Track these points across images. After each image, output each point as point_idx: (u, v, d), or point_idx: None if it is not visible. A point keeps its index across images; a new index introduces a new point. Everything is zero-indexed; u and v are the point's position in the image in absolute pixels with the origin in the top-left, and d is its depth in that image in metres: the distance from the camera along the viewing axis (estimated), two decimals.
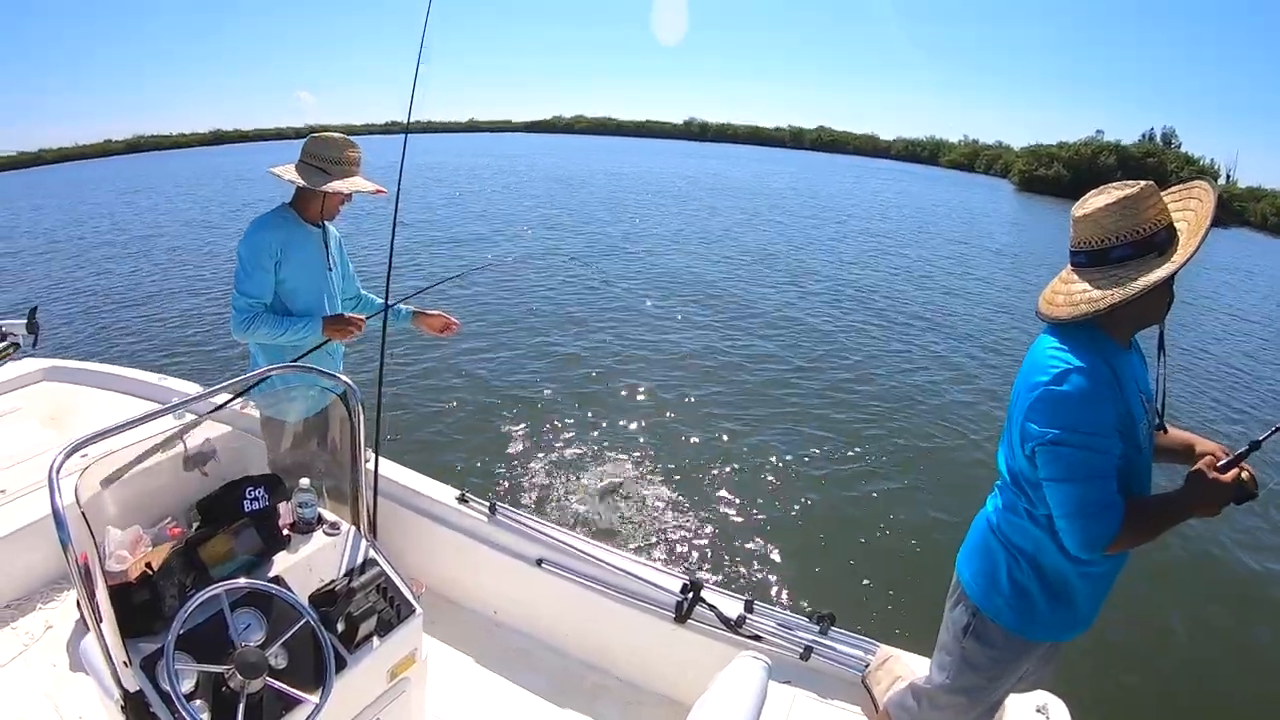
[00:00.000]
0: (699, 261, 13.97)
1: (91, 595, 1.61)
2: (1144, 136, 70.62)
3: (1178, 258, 1.48)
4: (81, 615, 2.51)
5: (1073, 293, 1.59)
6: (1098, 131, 65.25)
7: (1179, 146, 68.07)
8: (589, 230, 17.16)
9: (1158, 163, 57.00)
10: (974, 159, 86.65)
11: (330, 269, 2.80)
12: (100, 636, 1.64)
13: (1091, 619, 1.76)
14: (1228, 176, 67.78)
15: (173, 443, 2.23)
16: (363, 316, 2.75)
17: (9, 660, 2.58)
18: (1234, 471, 1.52)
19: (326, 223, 2.81)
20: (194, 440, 2.21)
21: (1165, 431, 1.75)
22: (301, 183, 2.60)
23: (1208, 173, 61.30)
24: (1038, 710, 2.10)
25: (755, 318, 10.10)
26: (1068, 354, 1.54)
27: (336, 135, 2.70)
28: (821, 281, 12.70)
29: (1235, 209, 54.99)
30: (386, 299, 2.95)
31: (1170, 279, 1.50)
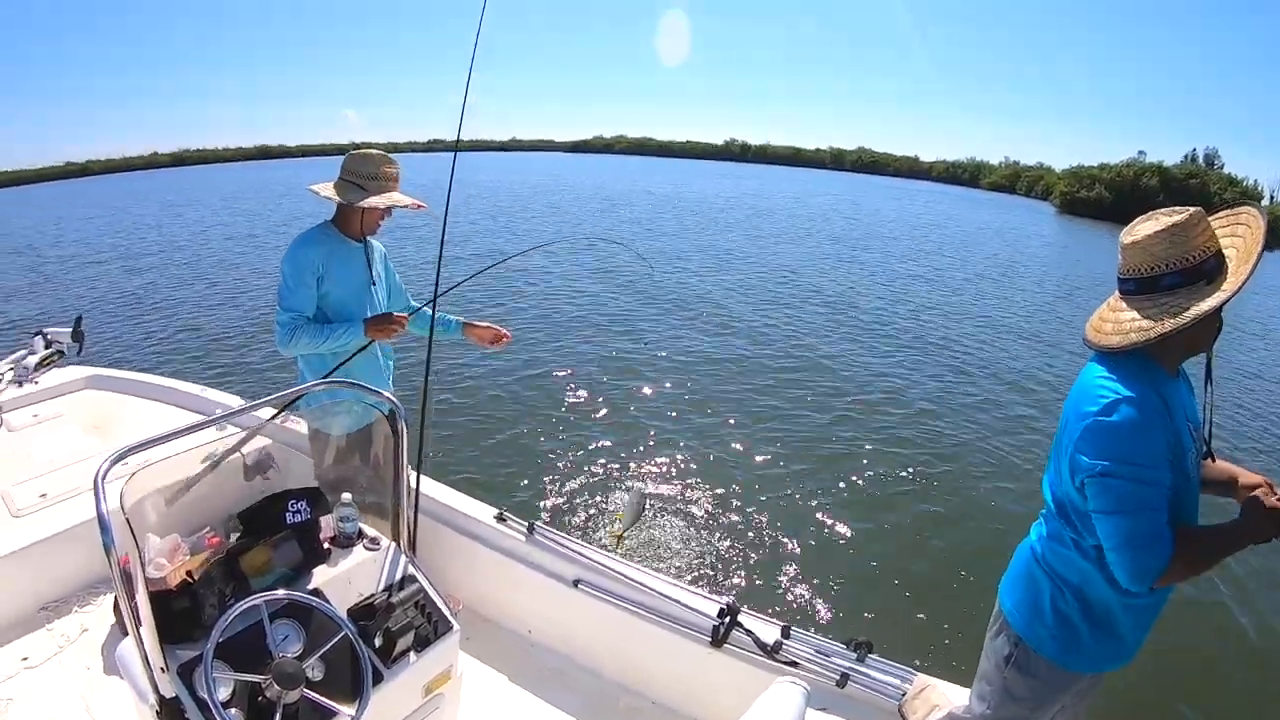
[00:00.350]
0: (743, 285, 13.90)
1: (132, 599, 1.64)
2: (1186, 158, 69.97)
3: (1229, 286, 1.46)
4: (118, 619, 2.55)
5: (1121, 321, 1.57)
6: (1139, 153, 64.69)
7: (1222, 167, 67.51)
8: (635, 251, 17.11)
9: (1201, 184, 56.30)
10: (1015, 181, 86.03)
11: (374, 283, 2.81)
12: (139, 640, 1.66)
13: (1135, 651, 1.72)
14: (1271, 197, 66.79)
15: (215, 454, 2.27)
16: (404, 314, 2.75)
17: (44, 661, 2.61)
18: None
19: (370, 238, 2.83)
20: (250, 450, 2.25)
21: (1213, 460, 1.71)
22: (339, 199, 2.63)
23: (1251, 194, 60.33)
24: None
25: (794, 342, 10.00)
26: (1117, 383, 1.51)
27: (374, 151, 2.72)
28: (865, 307, 12.56)
29: None
30: (434, 311, 2.94)
31: (1220, 307, 1.48)
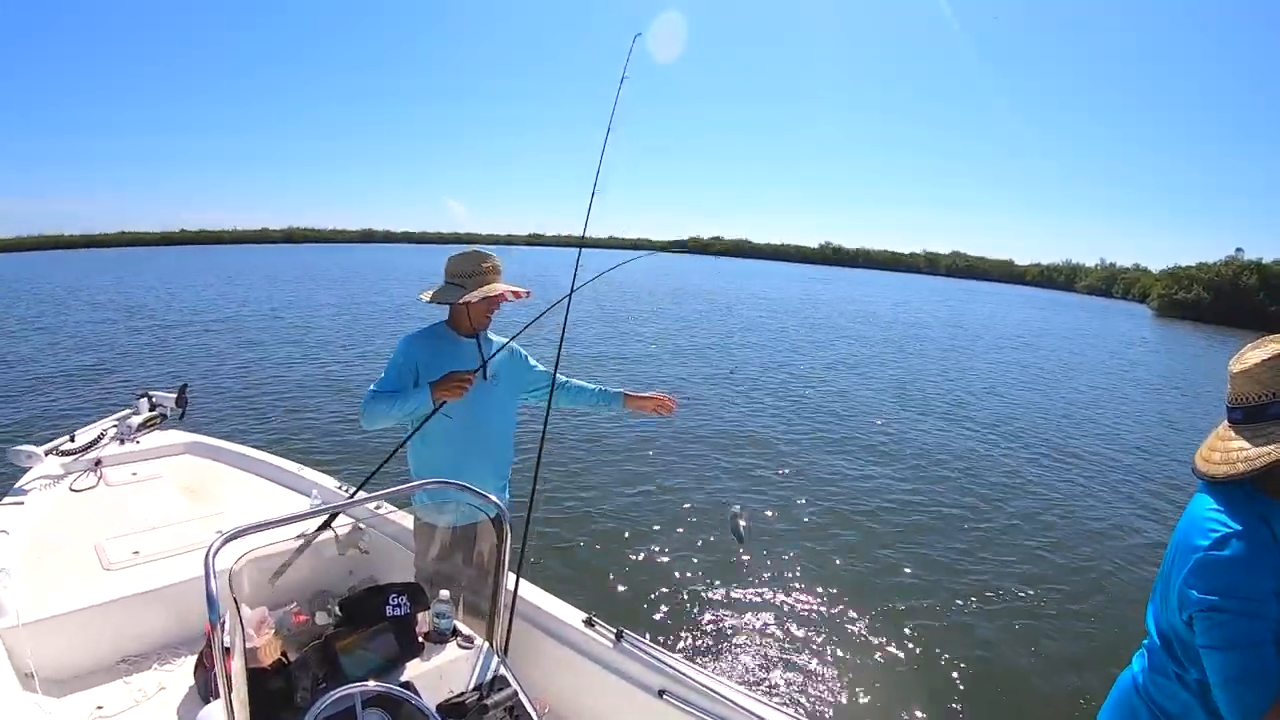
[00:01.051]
0: (849, 390, 13.72)
1: (227, 668, 1.67)
2: None
3: None
4: (198, 683, 2.60)
5: (1229, 450, 1.54)
6: (1237, 250, 62.07)
7: None
8: (740, 355, 17.14)
9: None
10: (1111, 283, 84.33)
11: (487, 377, 2.84)
12: (229, 706, 1.69)
13: None
14: None
15: (308, 533, 2.34)
16: (469, 372, 2.71)
17: (118, 712, 2.63)
18: None
19: (494, 336, 2.93)
20: (343, 533, 2.31)
21: None
22: (441, 301, 2.76)
23: None
24: None
25: (902, 449, 9.73)
26: (1226, 516, 1.48)
27: (472, 249, 2.83)
28: (971, 418, 12.22)
29: None
30: (549, 407, 2.99)
31: None
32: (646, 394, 3.12)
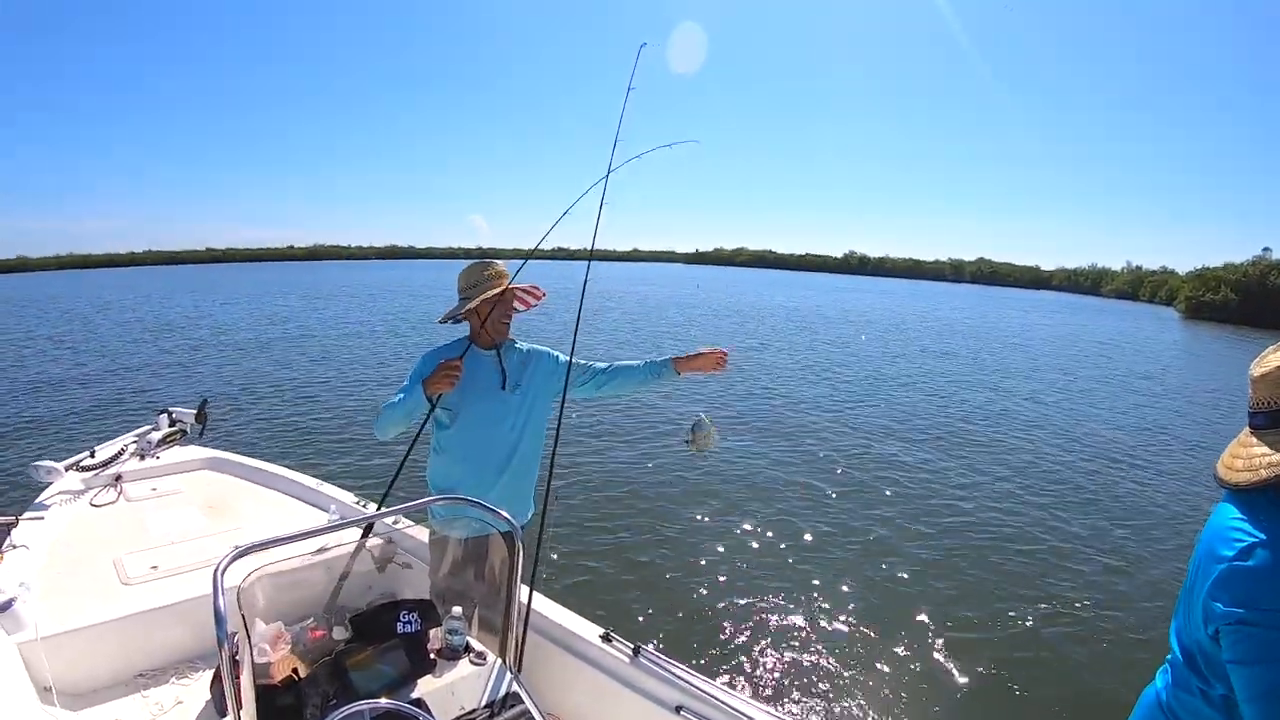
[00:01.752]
0: (881, 403, 13.57)
1: (236, 684, 1.66)
2: None
3: None
4: (214, 698, 2.60)
5: (1252, 456, 1.49)
6: (1264, 249, 61.44)
7: None
8: (768, 366, 17.06)
9: None
10: (1138, 286, 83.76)
11: (507, 388, 2.80)
12: None
13: None
14: None
15: (327, 547, 2.33)
16: (457, 358, 2.66)
17: None
18: None
19: (518, 344, 2.92)
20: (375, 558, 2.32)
21: None
22: (448, 319, 2.81)
23: None
24: None
25: (930, 460, 9.62)
26: (1251, 525, 1.43)
27: (477, 262, 2.85)
28: (1007, 430, 12.06)
29: None
30: (561, 413, 2.94)
31: None
32: (696, 352, 2.94)
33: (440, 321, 2.84)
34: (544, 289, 2.93)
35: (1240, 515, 1.46)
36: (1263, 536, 1.40)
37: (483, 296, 2.72)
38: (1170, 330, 40.95)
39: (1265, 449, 1.47)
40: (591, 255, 3.11)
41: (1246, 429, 1.56)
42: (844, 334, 26.37)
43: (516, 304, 2.88)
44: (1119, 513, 7.97)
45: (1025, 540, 6.95)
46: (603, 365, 3.01)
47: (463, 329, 2.88)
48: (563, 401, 2.92)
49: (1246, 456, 1.50)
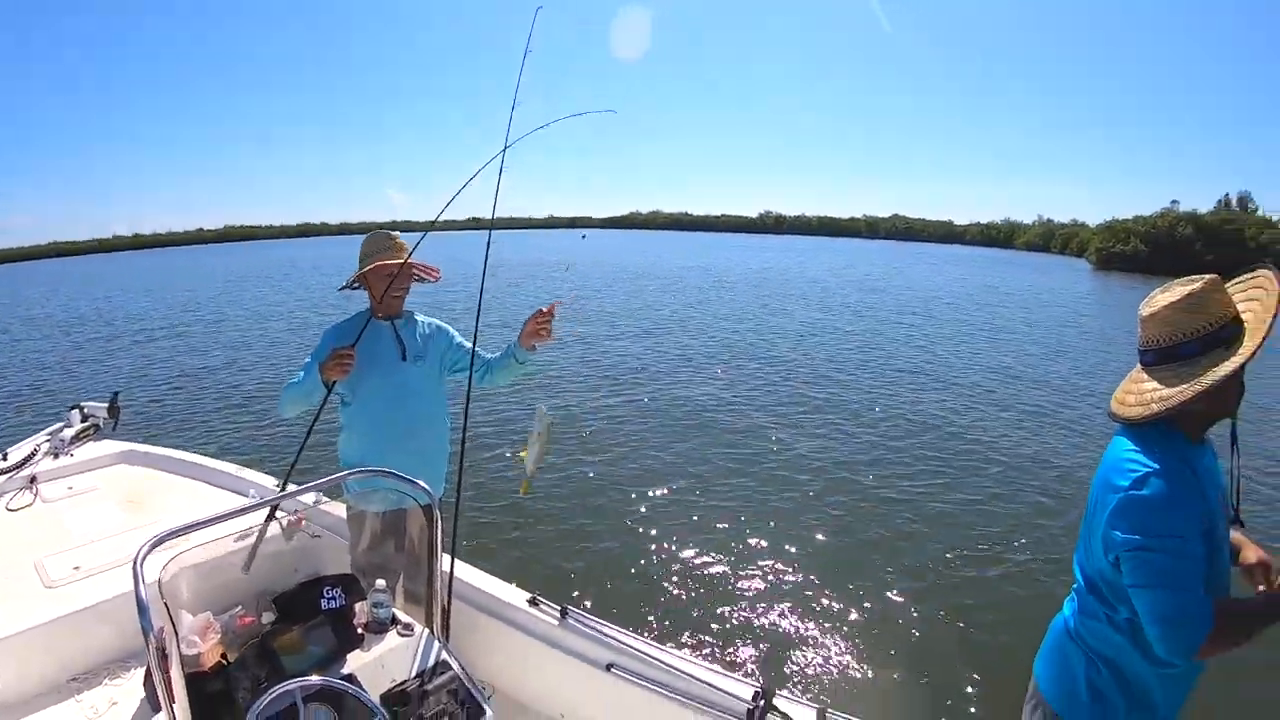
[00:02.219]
0: (788, 357, 13.89)
1: (166, 678, 1.66)
2: (1220, 203, 69.53)
3: (1245, 350, 1.49)
4: (148, 694, 2.57)
5: (1144, 391, 1.60)
6: (1173, 202, 64.01)
7: (1255, 210, 66.42)
8: (675, 329, 17.11)
9: (1235, 230, 55.48)
10: (1049, 239, 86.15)
11: (408, 359, 2.78)
12: (171, 716, 1.68)
13: None
14: None
15: (250, 533, 2.32)
16: (349, 346, 2.56)
17: None
18: None
19: (420, 316, 2.91)
20: (285, 529, 2.30)
21: (1243, 526, 1.74)
22: (346, 287, 2.83)
23: None
24: None
25: (837, 414, 9.88)
26: (1144, 456, 1.53)
27: (379, 232, 2.86)
28: (902, 378, 12.43)
29: None
30: (469, 388, 2.88)
31: (1240, 371, 1.50)
32: (529, 322, 2.76)
33: (340, 290, 2.82)
34: (440, 268, 2.92)
35: (1134, 447, 1.57)
36: (1156, 466, 1.50)
37: (371, 266, 2.72)
38: (1082, 280, 42.39)
39: (1155, 384, 1.58)
40: (493, 225, 3.03)
41: (1138, 367, 1.67)
42: (756, 293, 26.81)
43: (420, 275, 2.87)
44: (1045, 455, 8.37)
45: (954, 486, 7.28)
46: (487, 356, 2.95)
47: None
48: (469, 379, 2.88)
49: (1138, 392, 1.61)
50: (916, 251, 75.80)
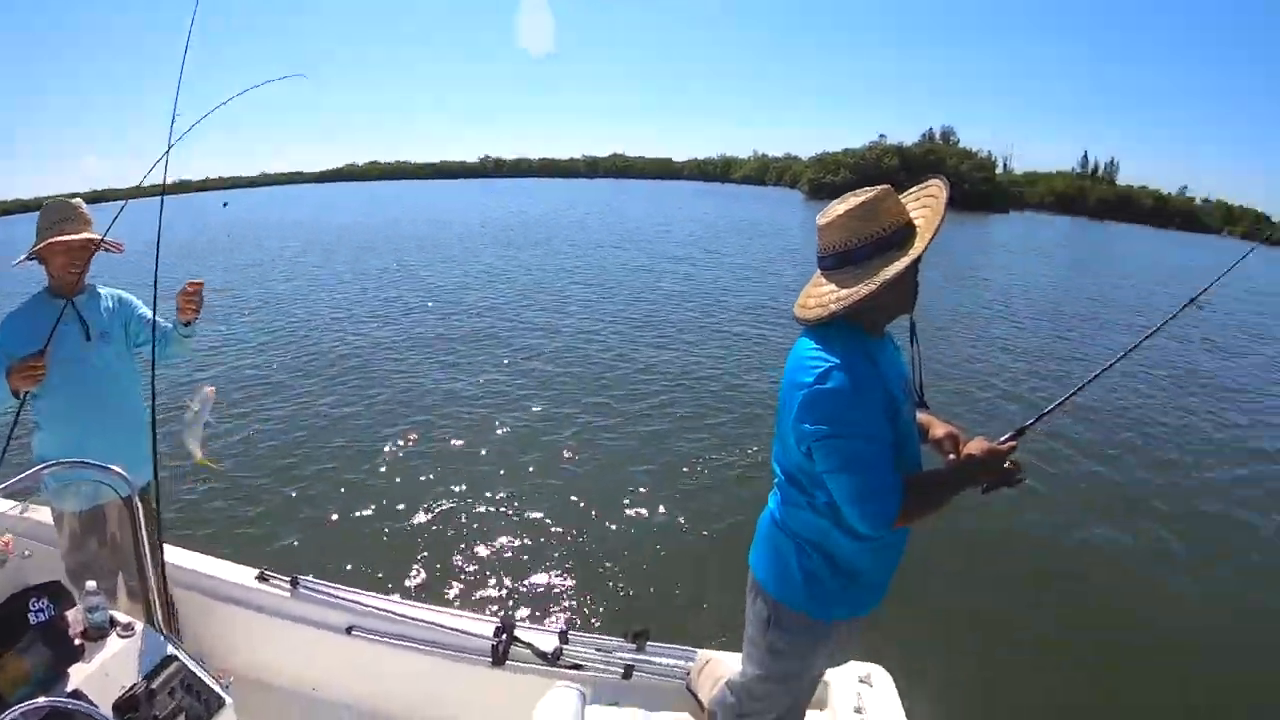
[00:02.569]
0: (493, 296, 14.32)
1: None
2: (924, 137, 77.52)
3: (915, 249, 1.60)
4: None
5: (822, 294, 1.69)
6: (880, 136, 70.80)
7: (957, 143, 74.79)
8: (383, 281, 16.86)
9: (937, 159, 62.18)
10: (764, 172, 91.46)
11: (92, 339, 2.58)
12: None
13: (884, 589, 1.88)
14: (1004, 165, 75.41)
15: None
16: (36, 355, 2.34)
17: None
18: (1011, 444, 1.74)
19: (103, 290, 2.69)
20: None
21: (927, 409, 1.92)
22: (20, 262, 2.53)
23: (985, 165, 67.53)
24: (861, 680, 2.29)
25: (546, 348, 10.36)
26: (825, 353, 1.63)
27: (59, 200, 2.59)
28: (611, 302, 13.38)
29: (1014, 193, 61.33)
30: (155, 357, 2.68)
31: (913, 270, 1.64)
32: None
33: (15, 265, 2.54)
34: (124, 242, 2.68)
35: (815, 346, 1.66)
36: (836, 360, 1.60)
37: (46, 241, 2.49)
38: (796, 211, 46.02)
39: (833, 287, 1.67)
40: (164, 190, 2.76)
41: (818, 273, 1.77)
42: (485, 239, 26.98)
43: (107, 247, 2.61)
44: (748, 370, 9.29)
45: (669, 408, 7.90)
46: (167, 326, 2.78)
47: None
48: (153, 355, 2.68)
49: (818, 295, 1.71)
50: (636, 188, 77.97)
